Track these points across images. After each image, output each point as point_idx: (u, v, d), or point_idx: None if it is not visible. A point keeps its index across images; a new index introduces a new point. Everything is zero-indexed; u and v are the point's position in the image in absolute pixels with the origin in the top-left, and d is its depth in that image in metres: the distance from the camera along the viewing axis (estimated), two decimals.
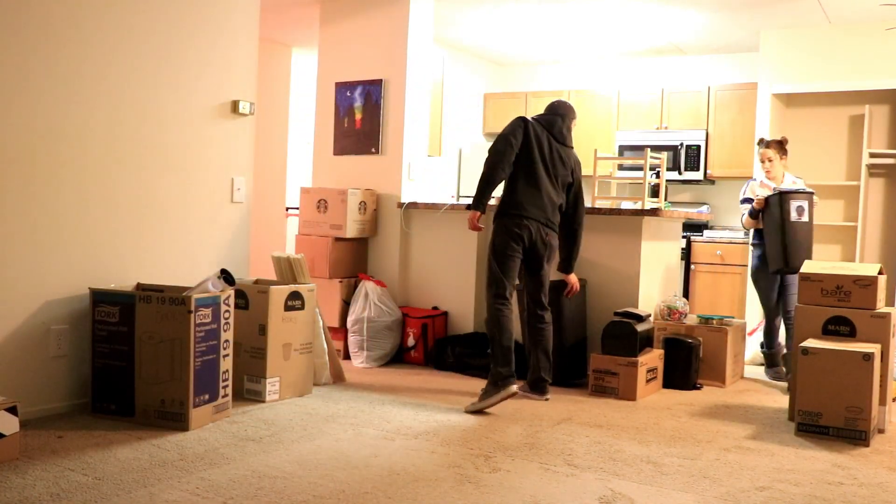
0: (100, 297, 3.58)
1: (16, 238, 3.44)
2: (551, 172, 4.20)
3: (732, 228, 7.02)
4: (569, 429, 3.67)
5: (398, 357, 5.21)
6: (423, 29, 5.53)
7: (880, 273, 3.88)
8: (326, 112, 5.72)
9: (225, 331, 3.59)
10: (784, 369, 4.97)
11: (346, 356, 5.16)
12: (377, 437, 3.43)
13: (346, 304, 5.23)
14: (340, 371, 4.57)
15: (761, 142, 5.18)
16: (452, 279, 5.29)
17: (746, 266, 6.49)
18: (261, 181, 6.66)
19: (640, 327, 4.39)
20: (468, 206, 4.13)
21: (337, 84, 5.66)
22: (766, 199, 4.85)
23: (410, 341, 5.18)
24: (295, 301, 4.09)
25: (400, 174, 5.40)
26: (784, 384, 4.76)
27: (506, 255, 4.06)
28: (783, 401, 4.30)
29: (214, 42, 4.23)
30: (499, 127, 7.98)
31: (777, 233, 4.74)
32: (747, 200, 5.12)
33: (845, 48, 6.18)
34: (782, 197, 4.75)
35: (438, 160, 7.15)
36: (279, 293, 4.01)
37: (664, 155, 5.28)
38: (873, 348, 3.57)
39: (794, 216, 4.73)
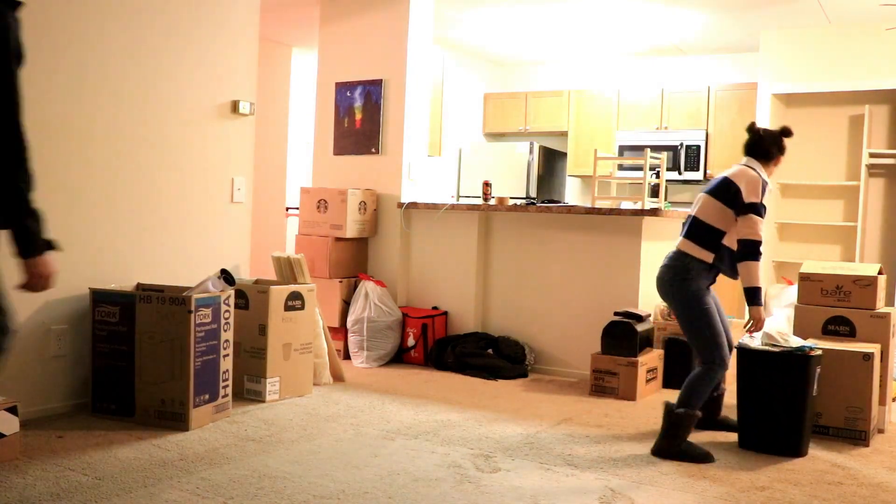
0: (100, 297, 3.58)
1: None
2: None
3: None
4: (569, 429, 3.67)
5: (398, 357, 5.21)
6: (423, 29, 5.53)
7: (880, 273, 3.87)
8: (326, 112, 5.72)
9: (225, 331, 3.59)
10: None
11: (346, 356, 5.16)
12: (377, 437, 3.43)
13: (346, 304, 5.23)
14: (340, 371, 4.57)
15: (787, 132, 3.65)
16: (452, 279, 5.29)
17: None
18: (261, 181, 6.65)
19: (640, 327, 4.39)
20: None
21: (337, 84, 5.66)
22: None
23: (410, 341, 5.18)
24: (295, 301, 4.09)
25: (400, 174, 5.40)
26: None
27: None
28: None
29: (214, 42, 4.23)
30: (499, 127, 8.06)
31: None
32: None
33: (845, 48, 6.18)
34: None
35: (438, 160, 7.16)
36: (279, 293, 4.01)
37: (664, 155, 5.28)
38: (873, 348, 3.57)
39: None
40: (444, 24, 6.61)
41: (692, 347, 3.60)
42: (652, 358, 4.46)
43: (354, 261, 5.41)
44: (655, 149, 6.81)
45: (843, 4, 5.66)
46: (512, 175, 7.34)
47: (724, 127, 6.92)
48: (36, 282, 2.24)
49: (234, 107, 4.35)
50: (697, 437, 3.58)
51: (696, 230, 3.42)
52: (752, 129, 3.66)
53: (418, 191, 5.55)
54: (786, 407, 3.35)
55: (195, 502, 2.60)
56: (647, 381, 4.40)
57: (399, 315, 5.20)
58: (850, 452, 3.42)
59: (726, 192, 3.40)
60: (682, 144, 7.00)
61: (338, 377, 4.54)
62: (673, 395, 4.42)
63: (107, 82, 3.75)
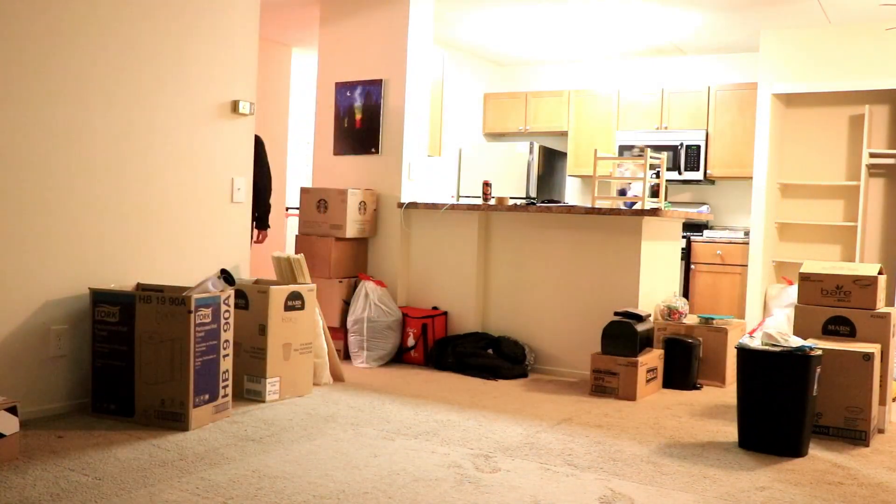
0: (100, 297, 3.58)
1: (16, 238, 3.44)
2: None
3: (732, 228, 7.02)
4: (569, 429, 3.67)
5: (398, 357, 5.21)
6: (423, 29, 5.53)
7: (880, 273, 3.87)
8: (326, 112, 5.72)
9: (225, 331, 3.59)
10: None
11: (346, 356, 5.16)
12: (377, 437, 3.43)
13: (346, 304, 5.23)
14: (340, 371, 4.57)
15: None
16: (452, 279, 5.29)
17: (746, 266, 6.50)
18: None
19: (640, 327, 4.39)
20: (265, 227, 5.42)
21: (337, 84, 5.66)
22: None
23: (410, 341, 5.18)
24: (295, 301, 4.09)
25: (400, 174, 5.40)
26: None
27: None
28: None
29: (214, 42, 4.23)
30: (499, 127, 8.06)
31: None
32: None
33: (845, 48, 6.18)
34: None
35: (438, 160, 7.16)
36: (279, 293, 4.01)
37: (664, 155, 5.28)
38: (873, 348, 3.57)
39: None
40: (444, 24, 6.62)
41: None
42: (652, 358, 4.46)
43: (354, 261, 5.41)
44: (655, 149, 6.81)
45: (843, 4, 5.66)
46: (512, 175, 7.34)
47: (724, 127, 6.92)
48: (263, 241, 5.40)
49: (234, 107, 4.35)
50: (697, 437, 3.58)
51: None
52: None
53: (418, 191, 5.55)
54: (786, 407, 3.35)
55: (195, 502, 2.60)
56: (648, 381, 4.40)
57: (399, 315, 5.20)
58: (850, 452, 3.42)
59: None
60: (682, 144, 7.00)
61: (338, 377, 4.54)
62: (673, 395, 4.43)
63: (106, 82, 3.75)
